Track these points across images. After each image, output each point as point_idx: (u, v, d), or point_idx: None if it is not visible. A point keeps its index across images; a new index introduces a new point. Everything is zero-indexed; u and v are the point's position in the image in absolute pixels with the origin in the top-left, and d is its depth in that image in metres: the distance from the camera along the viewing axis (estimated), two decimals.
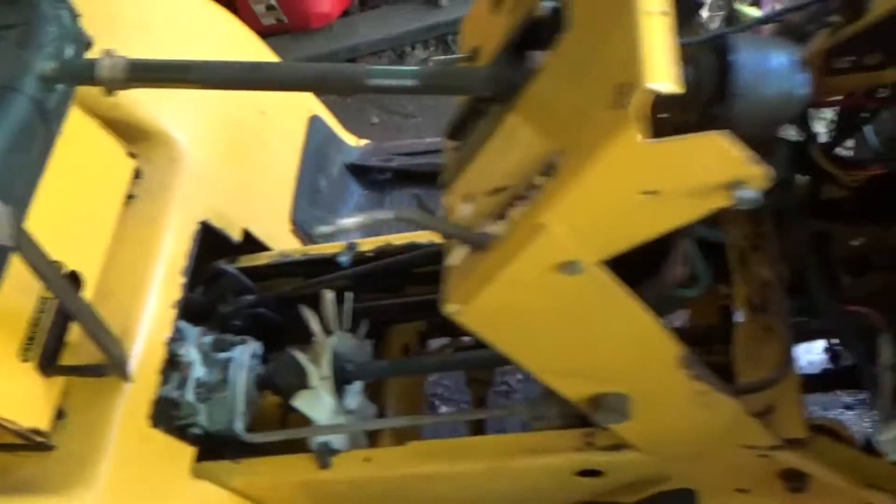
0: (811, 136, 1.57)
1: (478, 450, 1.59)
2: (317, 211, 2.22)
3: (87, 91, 1.33)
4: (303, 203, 2.17)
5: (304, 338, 1.77)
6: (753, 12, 1.53)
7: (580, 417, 1.37)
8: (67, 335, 1.52)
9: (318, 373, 1.76)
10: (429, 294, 1.64)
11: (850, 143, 1.71)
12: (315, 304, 1.76)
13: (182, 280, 1.74)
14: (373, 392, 1.91)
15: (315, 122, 2.33)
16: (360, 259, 1.92)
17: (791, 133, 1.58)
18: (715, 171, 0.83)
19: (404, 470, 1.61)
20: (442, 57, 2.18)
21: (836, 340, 1.78)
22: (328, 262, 1.93)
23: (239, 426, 1.73)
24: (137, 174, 1.81)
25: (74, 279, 1.56)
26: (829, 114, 1.71)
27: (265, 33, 4.31)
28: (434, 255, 1.78)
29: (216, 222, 1.88)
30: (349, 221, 0.91)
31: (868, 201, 1.63)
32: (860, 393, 2.47)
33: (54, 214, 1.41)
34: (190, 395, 1.76)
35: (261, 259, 1.99)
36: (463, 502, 1.80)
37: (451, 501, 1.79)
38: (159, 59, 1.20)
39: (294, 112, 2.29)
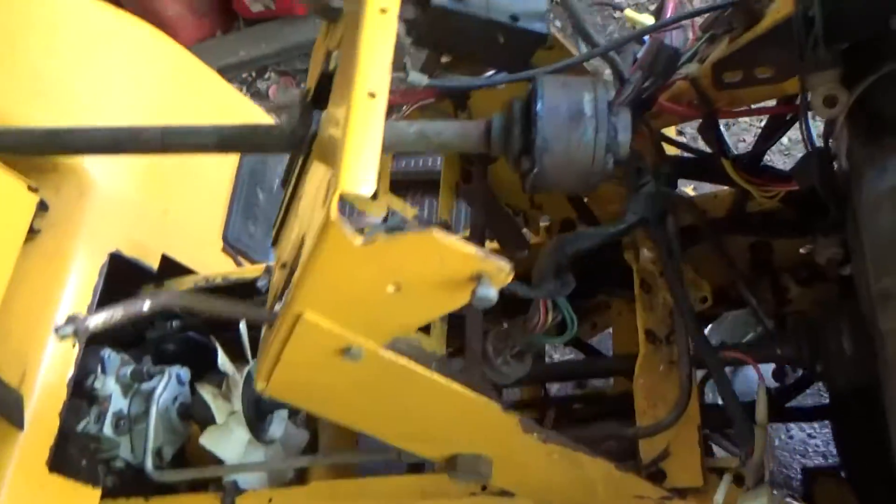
0: (722, 149, 1.44)
1: (377, 491, 1.53)
2: (253, 226, 2.17)
3: None
4: (236, 220, 2.12)
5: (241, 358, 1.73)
6: (644, 19, 1.39)
7: None
8: None
9: (227, 407, 1.72)
10: None
11: None
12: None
13: None
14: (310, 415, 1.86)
15: None
16: None
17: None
18: (449, 267, 0.74)
19: None
20: None
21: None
22: (249, 286, 1.87)
23: (148, 463, 1.70)
24: (43, 207, 1.77)
25: None
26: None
27: (255, 19, 4.28)
28: None
29: (130, 252, 1.84)
30: (94, 320, 0.85)
31: (805, 211, 1.50)
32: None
33: None
34: (108, 430, 1.73)
35: (185, 284, 1.94)
36: None
37: None
38: None
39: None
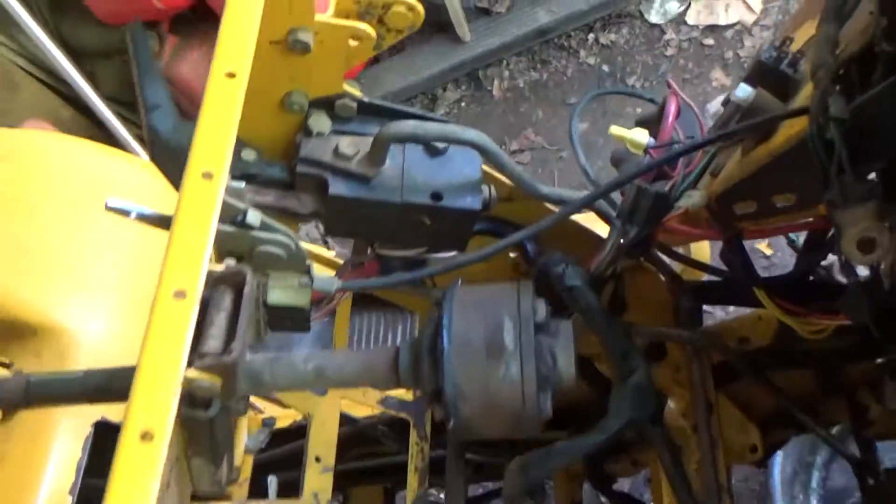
0: (752, 276, 1.17)
1: None
2: None
3: None
4: None
5: None
6: (636, 135, 1.14)
7: None
8: None
9: None
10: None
11: None
12: None
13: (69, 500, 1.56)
14: None
15: None
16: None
17: None
18: None
19: None
20: None
21: None
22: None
23: None
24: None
25: None
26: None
27: None
28: None
29: (117, 416, 1.69)
30: None
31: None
32: None
33: None
34: None
35: None
36: None
37: None
38: None
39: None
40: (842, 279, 1.21)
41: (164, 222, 0.73)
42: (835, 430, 1.72)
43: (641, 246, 1.05)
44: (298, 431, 1.63)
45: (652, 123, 1.27)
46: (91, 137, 2.08)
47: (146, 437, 0.57)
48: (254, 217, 0.79)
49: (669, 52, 3.53)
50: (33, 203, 1.83)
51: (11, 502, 1.54)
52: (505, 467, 0.85)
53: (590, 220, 1.23)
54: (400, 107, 0.91)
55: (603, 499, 2.08)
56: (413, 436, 1.44)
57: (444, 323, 0.73)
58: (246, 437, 1.04)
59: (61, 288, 1.74)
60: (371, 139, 0.84)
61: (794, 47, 1.08)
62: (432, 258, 1.00)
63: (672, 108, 1.21)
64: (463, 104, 3.82)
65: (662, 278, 1.19)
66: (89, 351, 1.72)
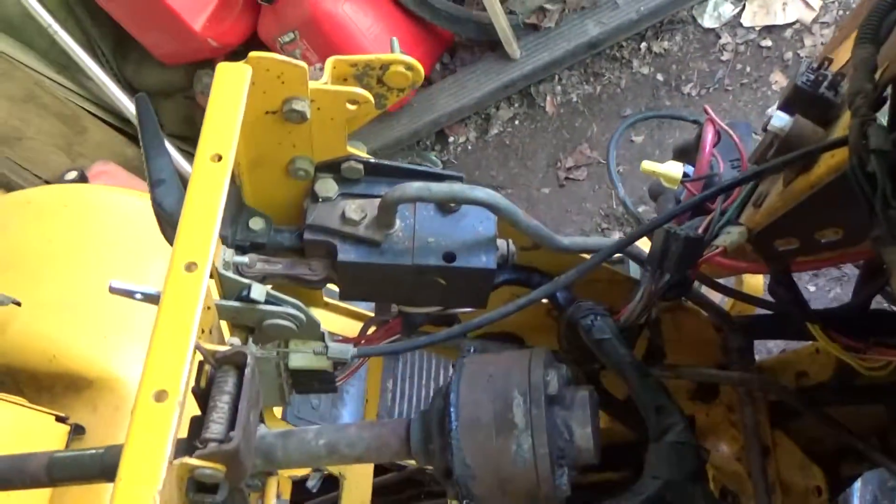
0: (803, 311, 1.10)
1: None
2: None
3: None
4: None
5: None
6: (669, 170, 1.08)
7: None
8: None
9: None
10: None
11: None
12: None
13: None
14: None
15: None
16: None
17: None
18: None
19: None
20: None
21: None
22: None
23: None
24: (79, 431, 1.67)
25: None
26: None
27: None
28: None
29: None
30: None
31: None
32: None
33: None
34: None
35: None
36: None
37: None
38: None
39: None
40: None
41: None
42: None
43: (678, 288, 0.99)
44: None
45: (691, 151, 1.21)
46: None
47: None
48: (258, 292, 0.77)
49: (725, 56, 3.43)
50: (87, 255, 1.86)
51: None
52: None
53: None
54: (408, 165, 0.88)
55: None
56: None
57: (451, 400, 0.70)
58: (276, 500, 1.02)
59: (116, 340, 1.76)
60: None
61: (835, 68, 1.01)
62: (457, 312, 0.97)
63: (709, 137, 1.15)
64: (516, 122, 3.78)
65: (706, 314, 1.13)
66: None
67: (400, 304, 0.93)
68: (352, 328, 1.00)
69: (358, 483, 1.34)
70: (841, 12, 3.27)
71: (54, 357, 1.77)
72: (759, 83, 3.32)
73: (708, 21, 3.52)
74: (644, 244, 1.01)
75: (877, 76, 0.88)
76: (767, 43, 3.38)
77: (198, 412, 0.72)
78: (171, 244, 0.88)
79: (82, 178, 2.91)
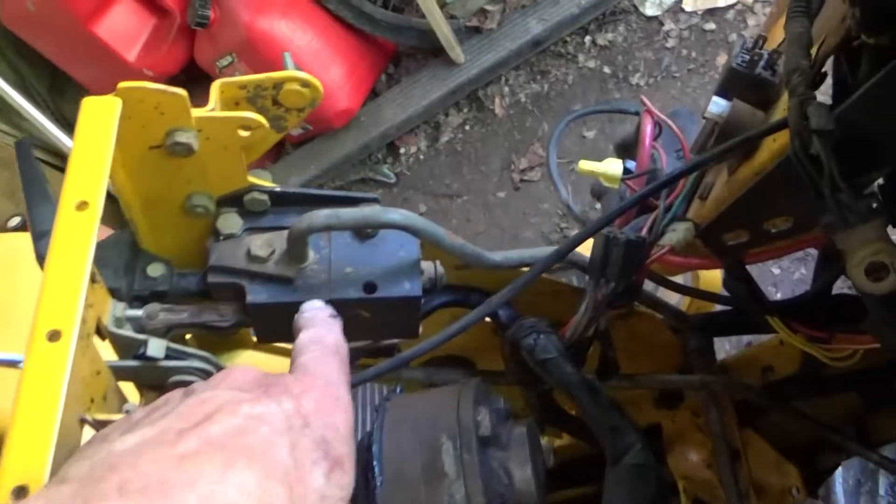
0: (759, 304, 1.04)
1: None
2: None
3: None
4: None
5: None
6: (608, 168, 1.02)
7: None
8: None
9: None
10: None
11: None
12: None
13: None
14: None
15: None
16: None
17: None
18: None
19: None
20: None
21: None
22: None
23: None
24: None
25: None
26: None
27: (297, 143, 4.11)
28: None
29: None
30: None
31: None
32: None
33: None
34: None
35: None
36: None
37: None
38: None
39: None
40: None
41: None
42: None
43: (626, 294, 0.93)
44: None
45: (632, 145, 1.15)
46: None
47: None
48: (156, 348, 0.69)
49: (670, 43, 3.39)
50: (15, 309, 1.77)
51: None
52: None
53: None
54: (317, 191, 0.81)
55: None
56: None
57: (374, 453, 0.62)
58: None
59: None
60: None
61: (770, 46, 0.96)
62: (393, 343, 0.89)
63: (648, 129, 1.09)
64: (467, 127, 3.71)
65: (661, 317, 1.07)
66: None
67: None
68: (286, 367, 0.92)
69: None
70: None
71: None
72: (706, 67, 3.29)
73: (650, 9, 3.49)
74: (587, 249, 0.94)
75: (813, 51, 0.83)
76: (711, 26, 3.35)
77: None
78: None
79: (25, 225, 2.81)
